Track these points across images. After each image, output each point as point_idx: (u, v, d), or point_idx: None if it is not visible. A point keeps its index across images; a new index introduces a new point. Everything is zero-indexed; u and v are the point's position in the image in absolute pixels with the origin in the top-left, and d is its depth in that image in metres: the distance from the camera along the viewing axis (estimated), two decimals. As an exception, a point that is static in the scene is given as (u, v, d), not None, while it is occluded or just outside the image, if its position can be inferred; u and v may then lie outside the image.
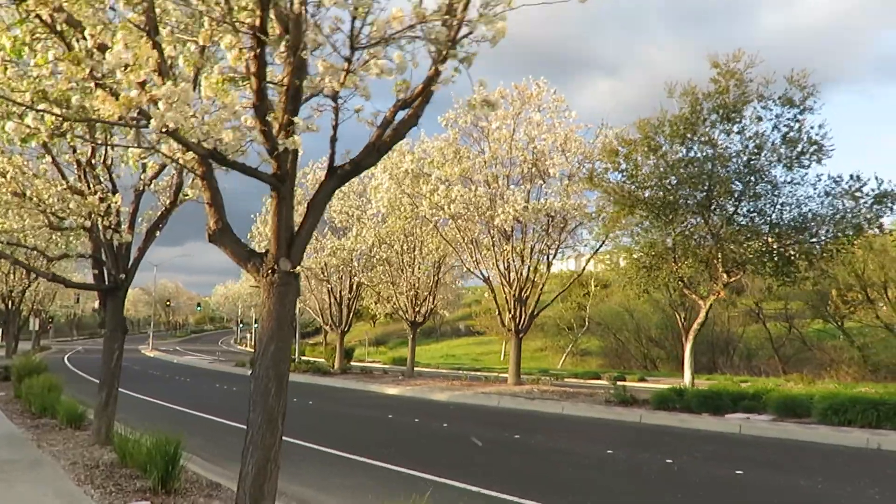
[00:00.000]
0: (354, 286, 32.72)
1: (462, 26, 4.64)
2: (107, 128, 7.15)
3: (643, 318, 44.74)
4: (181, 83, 4.18)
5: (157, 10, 4.87)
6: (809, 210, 17.70)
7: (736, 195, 18.17)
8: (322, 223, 27.39)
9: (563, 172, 23.33)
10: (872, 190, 16.77)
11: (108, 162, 9.53)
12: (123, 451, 8.03)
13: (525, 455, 11.18)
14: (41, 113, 4.76)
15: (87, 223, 9.04)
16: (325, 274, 31.70)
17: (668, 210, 18.21)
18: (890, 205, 16.60)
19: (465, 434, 13.82)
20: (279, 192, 5.16)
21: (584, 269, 28.22)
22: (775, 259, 17.85)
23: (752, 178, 17.84)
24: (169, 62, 5.01)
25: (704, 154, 17.96)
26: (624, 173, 18.78)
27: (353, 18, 4.53)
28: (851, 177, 17.03)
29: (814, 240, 17.59)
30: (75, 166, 9.43)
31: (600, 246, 24.34)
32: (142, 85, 4.22)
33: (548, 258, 24.44)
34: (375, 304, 33.27)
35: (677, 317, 32.31)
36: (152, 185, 9.76)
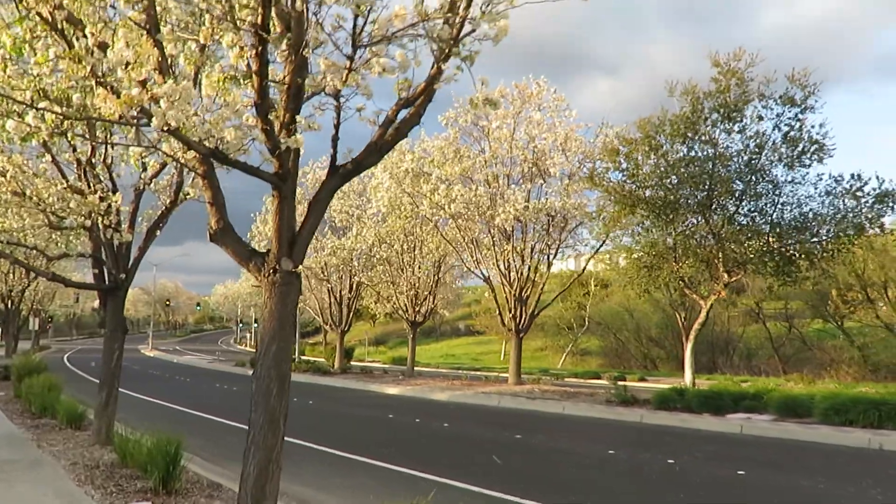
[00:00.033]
0: (354, 286, 32.70)
1: (465, 24, 4.62)
2: (107, 126, 7.12)
3: (643, 317, 44.73)
4: (182, 81, 4.15)
5: (158, 9, 4.84)
6: (810, 209, 17.67)
7: (737, 195, 18.13)
8: (322, 222, 27.36)
9: (563, 172, 23.32)
10: (874, 189, 16.74)
11: (108, 161, 9.50)
12: (124, 451, 8.00)
13: (526, 455, 11.16)
14: (41, 111, 4.73)
15: (88, 222, 9.00)
16: (325, 273, 31.68)
17: (669, 209, 18.18)
18: (891, 204, 16.57)
19: (466, 434, 13.81)
20: (281, 192, 5.14)
21: (584, 268, 28.20)
22: (776, 259, 17.82)
23: (753, 178, 17.81)
24: (169, 60, 4.99)
25: (705, 153, 17.93)
26: (624, 173, 18.75)
27: (356, 16, 4.51)
28: (852, 176, 17.02)
29: (815, 239, 17.56)
30: (75, 165, 9.40)
31: (601, 245, 24.34)
32: (142, 83, 4.20)
33: (548, 258, 24.43)
34: (375, 303, 33.25)
35: (677, 316, 32.28)
36: (152, 185, 9.73)
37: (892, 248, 30.95)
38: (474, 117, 23.15)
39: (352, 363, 36.96)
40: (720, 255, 17.98)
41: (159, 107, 4.01)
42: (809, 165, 17.43)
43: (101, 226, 9.07)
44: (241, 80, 4.85)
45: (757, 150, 17.51)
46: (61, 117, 4.79)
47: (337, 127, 5.14)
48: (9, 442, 10.16)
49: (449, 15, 4.57)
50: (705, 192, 18.02)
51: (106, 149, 9.25)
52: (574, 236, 24.63)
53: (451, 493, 7.99)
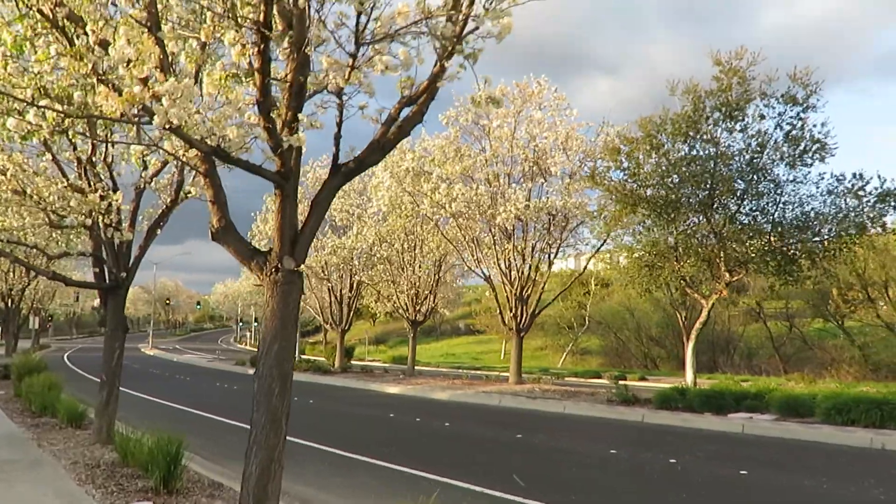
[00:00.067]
0: (355, 285, 32.68)
1: (468, 22, 4.59)
2: (108, 124, 7.09)
3: (644, 316, 44.72)
4: (184, 79, 4.13)
5: (160, 6, 4.82)
6: (812, 209, 17.63)
7: (738, 194, 18.08)
8: (323, 221, 27.39)
9: (564, 171, 23.28)
10: (875, 188, 16.70)
11: (109, 160, 9.47)
12: (125, 450, 7.98)
13: (527, 454, 11.14)
14: (42, 109, 4.70)
15: (88, 221, 8.98)
16: (326, 272, 31.65)
17: (671, 208, 18.14)
18: (893, 203, 16.53)
19: (467, 433, 13.79)
20: (283, 190, 5.12)
21: (585, 267, 28.19)
22: (778, 258, 17.79)
23: (755, 177, 17.76)
24: (171, 59, 4.97)
25: (707, 152, 17.89)
26: (626, 172, 18.72)
27: (359, 14, 4.48)
28: (854, 175, 16.98)
29: (816, 238, 17.52)
30: (75, 164, 9.37)
31: (602, 245, 24.31)
32: (144, 81, 4.17)
33: (549, 257, 24.39)
34: (376, 302, 33.22)
35: (678, 316, 32.26)
36: (153, 183, 9.71)
37: (893, 247, 30.93)
38: (475, 116, 23.10)
39: (352, 362, 36.95)
40: (722, 255, 17.95)
41: (161, 105, 3.99)
42: (811, 164, 17.41)
43: (101, 224, 9.05)
44: (244, 78, 4.82)
45: (759, 148, 17.46)
46: (62, 115, 4.76)
47: (339, 125, 5.11)
48: (9, 441, 10.14)
49: (452, 12, 4.55)
50: (707, 191, 17.98)
51: (106, 147, 9.23)
52: (575, 235, 24.61)
53: (453, 492, 7.97)
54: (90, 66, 4.08)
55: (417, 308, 29.59)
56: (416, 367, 30.56)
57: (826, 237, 17.45)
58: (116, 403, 9.97)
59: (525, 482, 8.72)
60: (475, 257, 25.05)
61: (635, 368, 38.35)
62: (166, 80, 4.10)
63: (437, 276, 29.83)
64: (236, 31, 4.45)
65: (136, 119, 4.45)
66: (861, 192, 16.82)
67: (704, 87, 17.40)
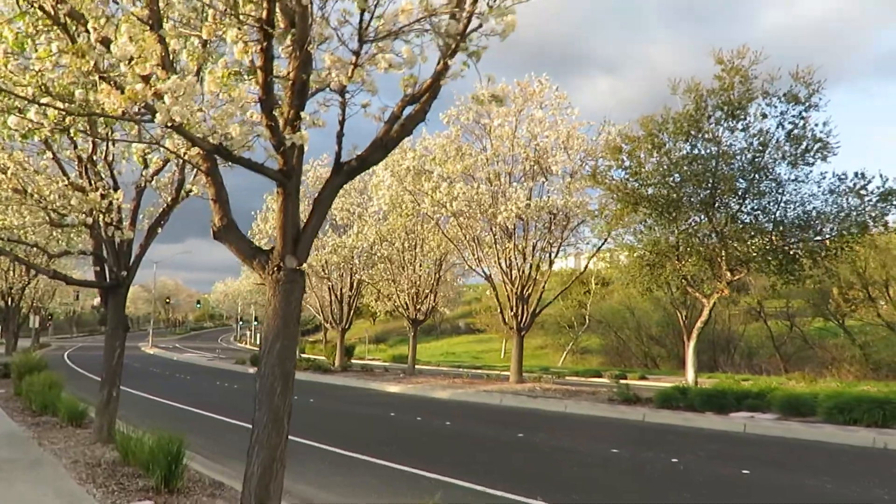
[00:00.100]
0: (355, 284, 32.66)
1: (472, 19, 4.57)
2: (109, 123, 7.07)
3: (644, 316, 44.72)
4: (187, 76, 4.10)
5: (161, 4, 4.80)
6: (814, 208, 17.59)
7: (740, 193, 18.05)
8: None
9: (565, 170, 23.23)
10: (877, 188, 16.68)
11: (110, 158, 9.45)
12: (125, 449, 7.96)
13: (528, 453, 11.12)
14: (44, 107, 4.68)
15: (89, 220, 8.97)
16: (326, 271, 31.64)
17: (672, 208, 18.12)
18: (895, 202, 16.50)
19: (468, 432, 13.77)
20: (285, 189, 5.09)
21: (586, 266, 28.17)
22: (779, 257, 17.77)
23: (757, 176, 17.74)
24: (172, 56, 4.94)
25: (708, 151, 17.86)
26: (627, 171, 18.69)
27: (362, 11, 4.45)
28: (856, 174, 16.96)
29: (818, 238, 17.50)
30: (76, 162, 9.35)
31: (602, 244, 24.28)
32: (146, 79, 4.14)
33: (550, 256, 24.36)
34: (376, 301, 33.21)
35: (678, 315, 32.26)
36: (154, 182, 9.69)
37: (895, 246, 30.92)
38: (476, 115, 23.08)
39: (352, 361, 36.95)
40: (723, 254, 17.92)
41: (163, 103, 3.96)
42: (813, 164, 17.38)
43: (102, 223, 9.03)
44: (246, 76, 4.79)
45: (760, 147, 17.43)
46: (63, 113, 4.73)
47: (342, 123, 5.09)
48: (9, 440, 10.12)
49: (456, 10, 4.52)
50: (708, 191, 17.96)
51: (107, 146, 9.20)
52: (576, 234, 24.58)
53: (454, 491, 7.95)
54: (92, 63, 4.06)
55: (418, 307, 29.57)
56: (416, 366, 30.54)
57: (828, 236, 17.44)
58: (117, 402, 9.95)
59: (526, 481, 8.70)
60: (476, 256, 25.03)
61: (635, 367, 38.35)
62: (168, 78, 4.07)
63: (437, 275, 29.81)
64: (238, 28, 4.42)
65: (138, 117, 4.43)
66: (863, 192, 16.79)
67: (706, 85, 17.38)
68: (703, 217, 18.41)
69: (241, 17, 4.46)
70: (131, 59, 4.07)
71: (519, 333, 23.81)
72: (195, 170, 9.30)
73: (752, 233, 18.08)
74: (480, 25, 4.59)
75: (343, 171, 5.30)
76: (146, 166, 9.29)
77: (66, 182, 8.82)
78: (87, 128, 7.29)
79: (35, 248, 11.41)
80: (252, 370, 32.70)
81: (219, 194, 5.23)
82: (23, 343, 44.34)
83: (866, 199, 16.78)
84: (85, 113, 4.69)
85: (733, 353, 40.72)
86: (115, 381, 9.86)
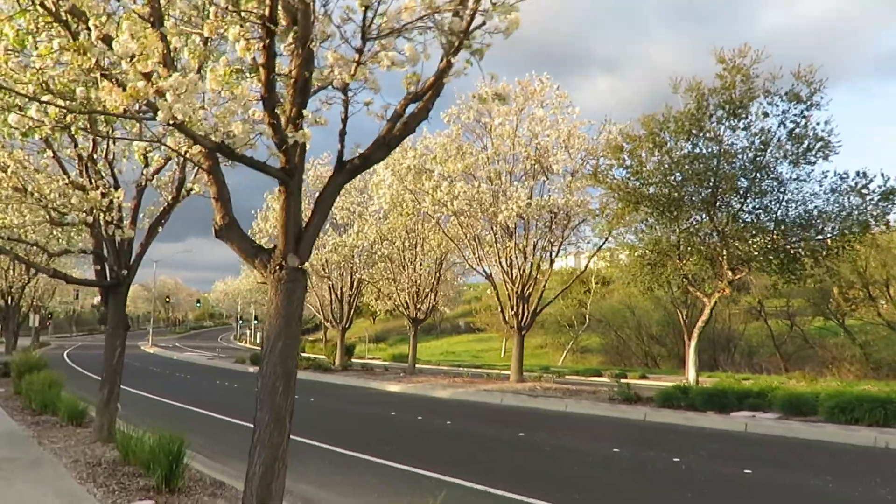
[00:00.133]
0: (355, 283, 32.64)
1: (475, 16, 4.54)
2: (110, 121, 7.04)
3: (644, 315, 44.72)
4: (189, 74, 4.07)
5: (162, 1, 4.76)
6: (815, 207, 17.55)
7: (741, 192, 18.01)
8: (323, 219, 27.38)
9: (566, 169, 23.20)
10: (879, 187, 16.64)
11: (110, 157, 9.42)
12: (126, 448, 7.93)
13: (529, 453, 11.10)
14: (44, 105, 4.65)
15: (89, 219, 8.95)
16: (326, 270, 31.62)
17: (673, 207, 18.09)
18: (896, 201, 16.48)
19: (468, 431, 13.75)
20: (287, 187, 5.06)
21: (587, 266, 28.14)
22: (781, 256, 17.74)
23: (758, 175, 17.70)
24: (173, 54, 4.91)
25: (710, 150, 17.82)
26: (628, 170, 18.66)
27: (366, 8, 4.42)
28: (858, 173, 16.91)
29: (819, 237, 17.47)
30: (76, 161, 9.32)
31: (603, 243, 24.26)
32: (147, 76, 4.12)
33: (550, 255, 24.33)
34: (376, 300, 33.20)
35: (679, 314, 32.27)
36: (154, 181, 9.66)
37: (895, 245, 30.91)
38: (477, 114, 23.04)
39: (352, 360, 36.94)
40: (724, 253, 17.89)
41: (165, 100, 3.93)
42: (814, 163, 17.35)
43: (102, 222, 9.01)
44: (248, 74, 4.77)
45: (762, 146, 17.39)
46: (64, 111, 4.70)
47: (344, 121, 5.06)
48: (9, 439, 10.10)
49: (459, 7, 4.49)
50: (710, 190, 17.92)
51: (108, 145, 9.18)
52: (577, 234, 24.55)
53: (455, 490, 7.93)
54: (93, 60, 4.03)
55: (418, 306, 29.55)
56: (416, 366, 30.52)
57: (829, 235, 17.40)
58: (117, 401, 9.93)
59: (527, 481, 8.68)
60: (476, 255, 25.00)
61: (636, 367, 38.36)
62: (170, 76, 4.05)
63: (438, 274, 29.78)
64: (241, 26, 4.39)
65: (140, 115, 4.40)
66: (864, 191, 16.75)
67: (708, 84, 17.35)
68: (704, 216, 18.38)
69: (242, 14, 4.44)
70: (132, 56, 4.05)
71: (520, 332, 23.79)
72: (196, 168, 9.28)
73: (754, 232, 18.04)
74: (484, 23, 4.57)
75: (345, 170, 5.27)
76: (147, 165, 9.26)
77: (67, 181, 8.80)
78: (88, 126, 7.26)
79: (35, 247, 11.38)
80: (252, 369, 32.68)
81: (220, 193, 5.21)
82: (22, 342, 44.33)
83: (868, 198, 16.74)
84: (86, 111, 4.66)
85: (733, 352, 40.74)
86: (116, 380, 9.84)
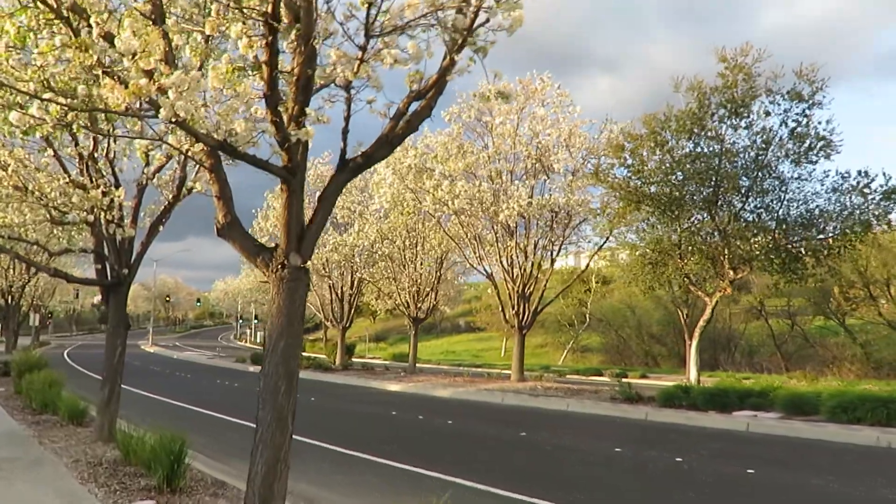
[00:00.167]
0: (356, 282, 32.62)
1: (479, 13, 4.51)
2: (111, 119, 7.01)
3: (645, 314, 44.72)
4: (191, 71, 4.04)
5: (164, -1, 4.74)
6: (817, 206, 17.51)
7: (743, 191, 17.97)
8: (324, 218, 27.33)
9: (567, 168, 23.16)
10: (881, 186, 16.60)
11: (111, 155, 9.39)
12: (127, 448, 7.90)
13: (530, 452, 11.08)
14: (46, 103, 4.62)
15: (90, 217, 8.91)
16: (327, 270, 31.60)
17: (675, 206, 18.05)
18: (899, 201, 16.43)
19: (470, 431, 13.73)
20: (289, 185, 5.03)
21: (588, 265, 28.11)
22: (782, 256, 17.71)
23: (760, 174, 17.66)
24: (175, 51, 4.89)
25: (711, 149, 17.79)
26: (629, 169, 18.62)
27: (369, 5, 4.40)
28: (859, 172, 16.86)
29: (821, 236, 17.43)
30: (77, 160, 9.29)
31: (604, 242, 24.23)
32: (149, 74, 4.09)
33: (551, 254, 24.31)
34: (376, 299, 33.17)
35: (679, 313, 32.24)
36: (155, 179, 9.64)
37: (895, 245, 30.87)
38: (478, 113, 23.01)
39: (353, 360, 36.92)
40: (726, 252, 17.86)
41: (167, 98, 3.90)
42: (816, 161, 17.31)
43: (103, 221, 8.98)
44: (251, 71, 4.73)
45: (764, 145, 17.35)
46: (66, 108, 4.67)
47: (347, 119, 5.04)
48: (9, 439, 10.07)
49: (463, 4, 4.47)
50: (711, 189, 17.88)
51: (108, 143, 9.15)
52: (577, 233, 24.52)
53: (456, 490, 7.88)
54: (95, 57, 4.00)
55: (419, 305, 29.53)
56: (416, 365, 30.51)
57: (831, 234, 17.36)
58: (118, 401, 9.90)
59: (529, 480, 8.66)
60: (477, 255, 24.97)
61: (636, 366, 38.36)
62: (172, 73, 4.02)
63: (438, 274, 29.76)
64: (243, 23, 4.36)
65: (142, 113, 4.37)
66: (866, 190, 16.70)
67: (709, 83, 17.31)
68: (705, 215, 18.34)
69: (244, 11, 4.41)
70: (134, 54, 4.02)
71: (520, 332, 23.77)
72: (197, 167, 9.26)
73: (755, 231, 17.98)
74: (488, 20, 4.54)
75: (348, 168, 5.25)
76: (148, 164, 9.24)
77: (68, 179, 8.77)
78: (89, 124, 7.23)
79: (36, 246, 11.35)
80: (252, 368, 32.67)
81: (222, 191, 5.18)
82: (23, 341, 44.31)
83: (870, 197, 16.69)
84: (88, 108, 4.63)
85: (734, 351, 40.74)
86: (117, 380, 9.81)
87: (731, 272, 17.91)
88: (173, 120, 3.94)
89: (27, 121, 4.81)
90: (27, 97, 4.72)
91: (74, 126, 5.59)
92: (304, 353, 40.84)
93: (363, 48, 4.60)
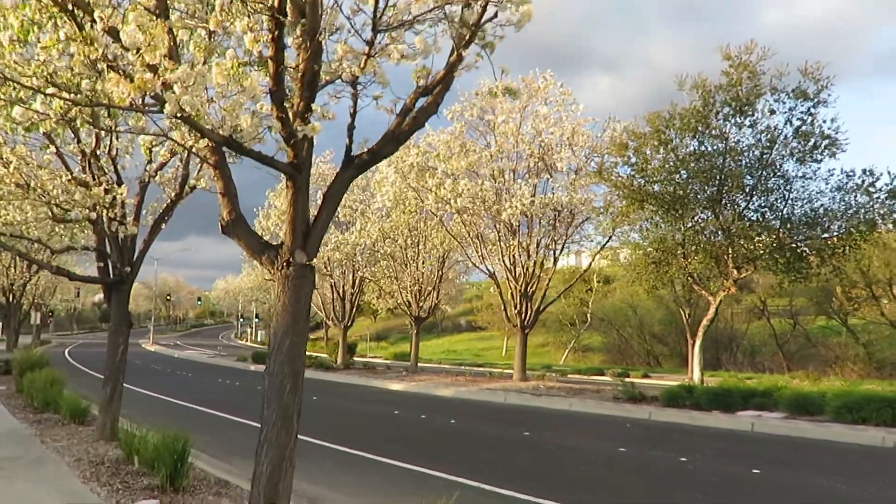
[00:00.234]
0: (357, 281, 32.55)
1: (487, 8, 4.46)
2: (114, 115, 6.96)
3: (647, 314, 44.66)
4: (197, 66, 3.99)
5: (168, -6, 4.68)
6: (821, 205, 17.45)
7: (747, 190, 17.89)
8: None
9: (570, 166, 23.10)
10: (886, 185, 16.53)
11: (113, 153, 9.34)
12: (130, 447, 7.85)
13: (533, 452, 11.03)
14: (49, 98, 4.56)
15: (92, 215, 8.86)
16: (328, 268, 31.54)
17: (679, 205, 17.98)
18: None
19: (472, 430, 13.68)
20: (295, 182, 4.98)
21: (590, 264, 28.04)
22: (787, 255, 17.64)
23: (764, 173, 17.59)
24: (180, 46, 4.83)
25: (716, 148, 17.72)
26: (633, 167, 18.56)
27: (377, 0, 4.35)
28: (864, 171, 16.79)
29: (825, 235, 17.36)
30: (79, 157, 9.24)
31: (607, 241, 24.16)
32: (154, 68, 4.04)
33: (554, 253, 24.24)
34: (378, 298, 33.11)
35: (681, 313, 32.17)
36: (157, 177, 9.59)
37: (898, 244, 30.79)
38: (480, 111, 22.94)
39: (354, 359, 36.87)
40: (730, 251, 17.79)
41: (173, 93, 3.85)
42: (821, 160, 17.23)
43: (105, 219, 8.93)
44: (257, 67, 4.68)
45: (768, 144, 17.28)
46: (69, 104, 4.62)
47: (353, 115, 4.99)
48: (11, 438, 10.03)
49: (470, -1, 4.42)
50: (715, 187, 17.81)
51: (111, 140, 9.10)
52: (580, 232, 24.45)
53: (460, 490, 7.84)
54: (101, 51, 3.94)
55: (420, 304, 29.47)
56: (418, 364, 30.45)
57: (835, 234, 17.28)
58: (120, 399, 9.85)
59: (532, 480, 8.61)
60: (480, 254, 24.90)
61: (638, 366, 38.32)
62: (176, 68, 3.96)
63: (440, 273, 29.70)
64: (248, 16, 4.31)
65: (146, 108, 4.32)
66: (871, 189, 16.63)
67: (713, 81, 17.23)
68: (709, 214, 18.28)
69: (250, 5, 4.36)
70: (138, 49, 3.97)
71: (523, 331, 23.71)
72: (199, 165, 9.21)
73: (760, 230, 17.91)
74: (496, 15, 4.49)
75: (353, 165, 5.20)
76: (150, 161, 9.18)
77: (70, 177, 8.71)
78: (92, 119, 7.18)
79: (37, 244, 11.30)
80: (254, 367, 32.64)
81: (227, 188, 5.13)
82: (23, 340, 44.26)
83: (874, 196, 16.62)
84: (92, 104, 4.58)
85: (736, 351, 40.69)
86: (119, 378, 9.76)
87: (735, 271, 17.85)
88: (179, 115, 3.89)
89: (30, 116, 4.75)
90: (30, 92, 4.66)
91: (78, 121, 5.52)
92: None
93: (370, 43, 4.54)
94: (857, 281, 33.88)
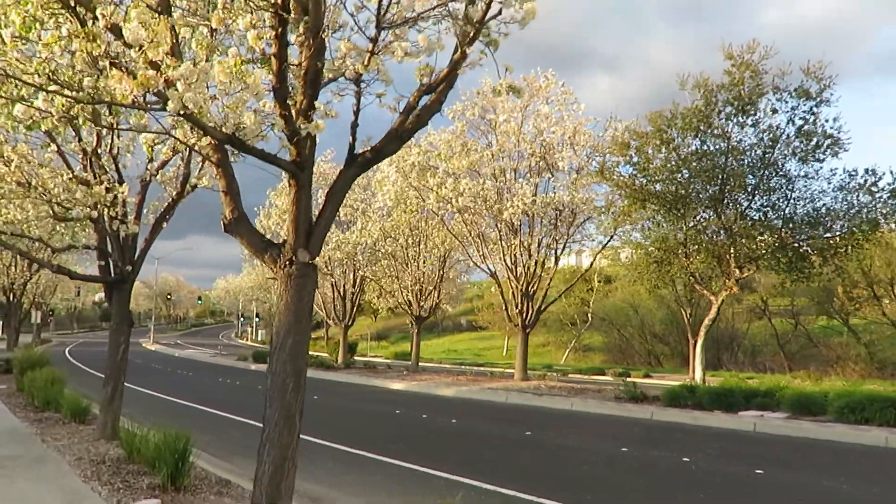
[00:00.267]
0: (358, 280, 32.53)
1: (491, 5, 4.43)
2: (116, 112, 6.93)
3: (648, 313, 44.60)
4: (199, 63, 3.96)
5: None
6: (824, 205, 17.40)
7: (749, 189, 17.85)
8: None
9: (571, 166, 23.08)
10: (888, 184, 16.48)
11: (115, 151, 9.31)
12: (131, 446, 7.84)
13: (535, 452, 11.00)
14: (52, 95, 4.53)
15: (94, 214, 8.83)
16: (329, 268, 31.52)
17: (680, 204, 17.94)
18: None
19: (474, 430, 13.65)
20: (298, 181, 4.96)
21: (592, 263, 28.01)
22: (789, 254, 17.59)
23: (766, 172, 17.54)
24: (182, 44, 4.81)
25: (718, 147, 17.68)
26: (635, 167, 18.51)
27: (380, -3, 4.32)
28: (867, 171, 16.74)
29: (828, 235, 17.32)
30: (81, 156, 9.21)
31: (609, 241, 24.11)
32: (156, 65, 4.01)
33: (555, 252, 24.21)
34: (378, 298, 33.08)
35: (683, 313, 32.13)
36: (159, 176, 9.56)
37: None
38: (481, 110, 22.91)
39: (355, 358, 36.84)
40: (732, 251, 17.75)
41: (176, 90, 3.82)
42: (823, 160, 17.19)
43: (106, 217, 8.91)
44: (260, 64, 4.65)
45: (770, 143, 17.23)
46: (72, 101, 4.59)
47: (356, 113, 4.97)
48: (12, 436, 10.00)
49: (475, -5, 4.39)
50: (717, 187, 17.77)
51: (112, 138, 9.07)
52: (581, 231, 24.42)
53: (463, 490, 7.82)
54: (103, 48, 3.91)
55: (421, 304, 29.44)
56: (419, 363, 30.43)
57: (838, 233, 17.24)
58: (121, 398, 9.83)
59: (534, 480, 8.58)
60: (481, 253, 24.88)
61: (639, 365, 38.29)
62: (179, 65, 3.94)
63: (441, 272, 29.67)
64: (251, 13, 4.28)
65: (148, 105, 4.29)
66: (874, 188, 16.58)
67: (715, 80, 17.19)
68: (711, 213, 18.23)
69: (253, 2, 4.33)
70: (141, 46, 3.94)
71: (524, 331, 23.68)
72: (201, 164, 9.19)
73: (762, 230, 17.86)
74: (500, 12, 4.46)
75: (357, 163, 5.18)
76: (152, 159, 9.16)
77: (71, 175, 8.69)
78: (94, 117, 7.15)
79: (38, 243, 11.27)
80: (254, 367, 32.62)
81: (230, 186, 5.11)
82: (24, 339, 44.24)
83: (877, 195, 16.57)
84: (94, 101, 4.55)
85: (737, 350, 40.65)
86: (120, 377, 9.74)
87: (738, 271, 17.81)
88: (182, 112, 3.86)
89: (32, 114, 4.73)
90: (32, 90, 4.64)
91: (80, 119, 5.50)
92: (306, 352, 40.75)
93: (374, 40, 4.52)
94: (859, 281, 33.82)
